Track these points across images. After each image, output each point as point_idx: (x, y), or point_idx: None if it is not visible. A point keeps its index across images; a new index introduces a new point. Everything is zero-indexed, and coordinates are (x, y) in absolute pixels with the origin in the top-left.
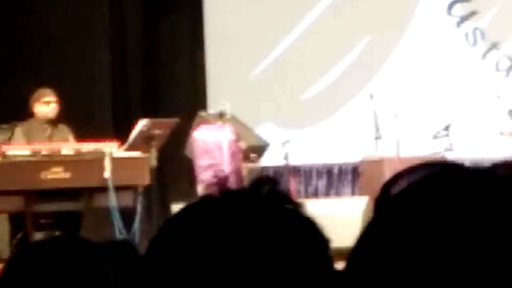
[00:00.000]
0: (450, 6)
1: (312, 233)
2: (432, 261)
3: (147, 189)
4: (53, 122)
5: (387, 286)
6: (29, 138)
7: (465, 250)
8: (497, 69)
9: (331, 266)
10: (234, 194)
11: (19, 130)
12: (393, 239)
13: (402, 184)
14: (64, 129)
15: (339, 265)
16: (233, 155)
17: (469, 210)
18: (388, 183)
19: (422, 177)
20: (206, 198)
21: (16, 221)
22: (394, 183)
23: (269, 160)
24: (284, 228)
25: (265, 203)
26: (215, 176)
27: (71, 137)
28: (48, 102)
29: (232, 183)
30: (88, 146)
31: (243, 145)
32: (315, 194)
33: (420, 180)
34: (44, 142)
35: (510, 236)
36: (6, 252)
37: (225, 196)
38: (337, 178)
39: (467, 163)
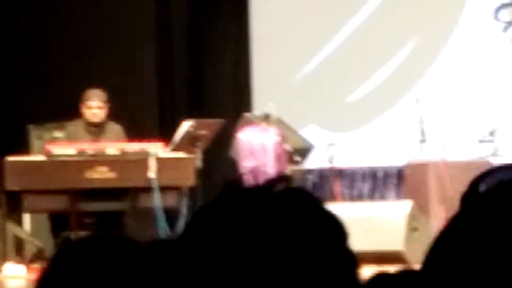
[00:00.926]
0: (497, 10)
1: (330, 225)
2: None
3: (192, 190)
4: (100, 125)
5: (470, 283)
6: (74, 138)
7: None
8: None
9: (352, 259)
10: (250, 191)
11: (64, 132)
12: (479, 235)
13: (490, 182)
14: (114, 129)
15: (385, 268)
16: (278, 157)
17: None
18: (476, 180)
19: (510, 176)
20: (223, 195)
21: (57, 220)
22: (482, 180)
23: (314, 162)
24: (301, 223)
25: (281, 199)
26: (258, 177)
27: (122, 136)
28: (91, 107)
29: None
30: (133, 146)
31: (288, 147)
32: (360, 197)
33: (509, 180)
34: (89, 141)
35: None
36: (48, 250)
37: (241, 193)
38: (382, 182)
39: None
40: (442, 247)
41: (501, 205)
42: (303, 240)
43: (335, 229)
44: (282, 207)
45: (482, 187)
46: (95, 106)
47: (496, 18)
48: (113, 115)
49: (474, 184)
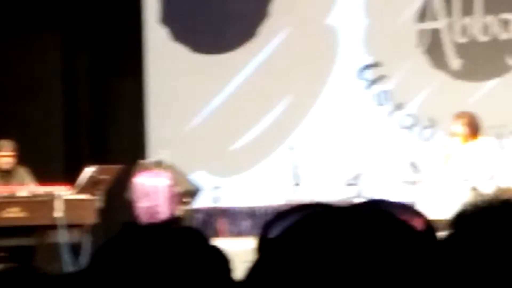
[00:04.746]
0: (361, 71)
1: (216, 258)
2: None
3: (94, 228)
4: (10, 170)
5: None
6: None
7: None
8: (401, 126)
9: (235, 285)
10: (146, 229)
11: None
12: (271, 278)
13: (279, 226)
14: (22, 173)
15: None
16: (169, 198)
17: (337, 244)
18: (266, 225)
19: (294, 220)
20: (123, 233)
21: None
22: (270, 227)
23: (202, 203)
24: (191, 257)
25: (173, 236)
26: (152, 217)
27: (28, 179)
28: (2, 156)
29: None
30: (41, 189)
31: (178, 189)
32: (240, 234)
33: (294, 224)
34: (1, 185)
35: (381, 261)
36: None
37: (138, 231)
38: (261, 219)
39: None
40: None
41: (287, 249)
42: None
43: (220, 261)
44: (173, 244)
45: (273, 232)
46: (5, 155)
47: (360, 77)
48: (25, 161)
49: (264, 231)
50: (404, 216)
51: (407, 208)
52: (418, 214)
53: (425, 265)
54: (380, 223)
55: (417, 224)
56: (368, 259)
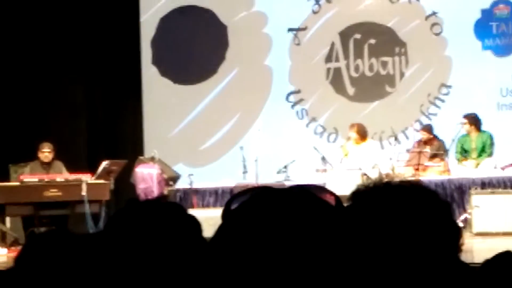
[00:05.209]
0: (287, 96)
1: (191, 222)
2: (262, 254)
3: (108, 203)
4: (49, 163)
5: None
6: (35, 172)
7: (280, 248)
8: (315, 133)
9: (205, 243)
10: (145, 204)
11: (28, 168)
12: (234, 241)
13: (238, 201)
14: (59, 165)
15: None
16: (159, 182)
17: (277, 214)
18: (229, 200)
19: (248, 197)
20: (128, 206)
21: (26, 220)
22: (233, 200)
23: (181, 185)
24: (174, 221)
25: (163, 209)
26: (147, 195)
27: (63, 170)
28: (44, 152)
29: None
30: (72, 176)
31: (165, 176)
32: (208, 206)
33: (248, 199)
34: (44, 174)
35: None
36: (21, 239)
37: (140, 205)
38: (221, 196)
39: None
40: (212, 249)
41: (244, 218)
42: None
43: (194, 225)
44: (163, 214)
45: (234, 205)
46: (46, 151)
47: (287, 100)
48: (60, 158)
49: (228, 203)
50: (321, 194)
51: (323, 189)
52: (330, 192)
53: (337, 227)
54: (306, 199)
55: (330, 199)
56: (298, 225)
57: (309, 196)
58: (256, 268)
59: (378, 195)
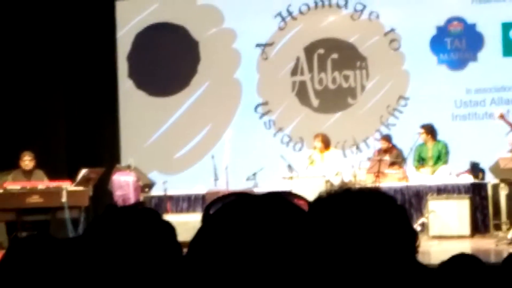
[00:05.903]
0: (256, 107)
1: (165, 227)
2: (240, 254)
3: (87, 209)
4: (30, 171)
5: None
6: (17, 180)
7: (259, 250)
8: (282, 142)
9: (179, 247)
10: (122, 210)
11: (11, 176)
12: (213, 242)
13: (217, 206)
14: (40, 173)
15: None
16: (135, 189)
17: (253, 217)
18: (208, 205)
19: (225, 202)
20: (106, 212)
21: (10, 225)
22: (211, 206)
23: (156, 192)
24: (149, 226)
25: (139, 214)
26: (125, 201)
27: (45, 177)
28: (24, 160)
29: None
30: (52, 184)
31: (141, 183)
32: (181, 211)
33: (225, 204)
34: (26, 182)
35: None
36: (6, 243)
37: (117, 211)
38: (193, 202)
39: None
40: (192, 251)
41: (223, 222)
42: (152, 236)
43: (169, 229)
44: (140, 219)
45: (212, 210)
46: (27, 159)
47: (255, 111)
48: (39, 166)
49: (207, 208)
50: (294, 200)
51: (296, 195)
52: (303, 198)
53: (308, 229)
54: (279, 204)
55: (303, 205)
56: (273, 227)
57: (283, 202)
58: (234, 267)
59: (339, 201)
